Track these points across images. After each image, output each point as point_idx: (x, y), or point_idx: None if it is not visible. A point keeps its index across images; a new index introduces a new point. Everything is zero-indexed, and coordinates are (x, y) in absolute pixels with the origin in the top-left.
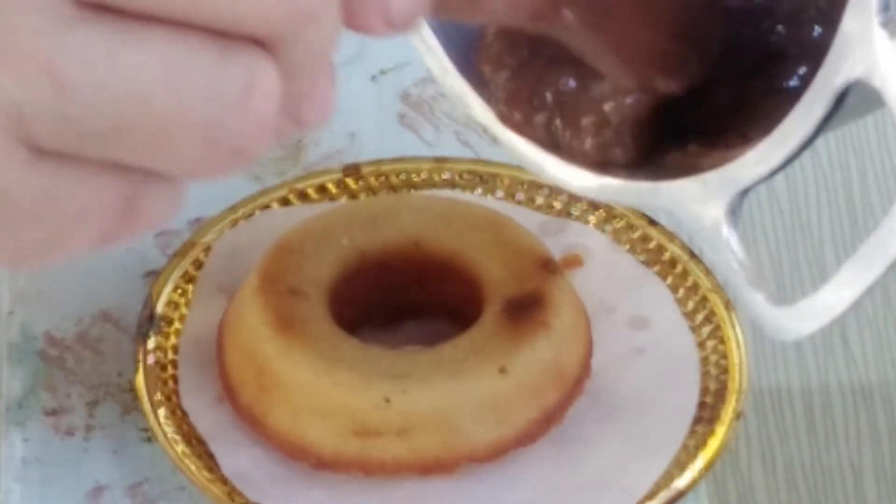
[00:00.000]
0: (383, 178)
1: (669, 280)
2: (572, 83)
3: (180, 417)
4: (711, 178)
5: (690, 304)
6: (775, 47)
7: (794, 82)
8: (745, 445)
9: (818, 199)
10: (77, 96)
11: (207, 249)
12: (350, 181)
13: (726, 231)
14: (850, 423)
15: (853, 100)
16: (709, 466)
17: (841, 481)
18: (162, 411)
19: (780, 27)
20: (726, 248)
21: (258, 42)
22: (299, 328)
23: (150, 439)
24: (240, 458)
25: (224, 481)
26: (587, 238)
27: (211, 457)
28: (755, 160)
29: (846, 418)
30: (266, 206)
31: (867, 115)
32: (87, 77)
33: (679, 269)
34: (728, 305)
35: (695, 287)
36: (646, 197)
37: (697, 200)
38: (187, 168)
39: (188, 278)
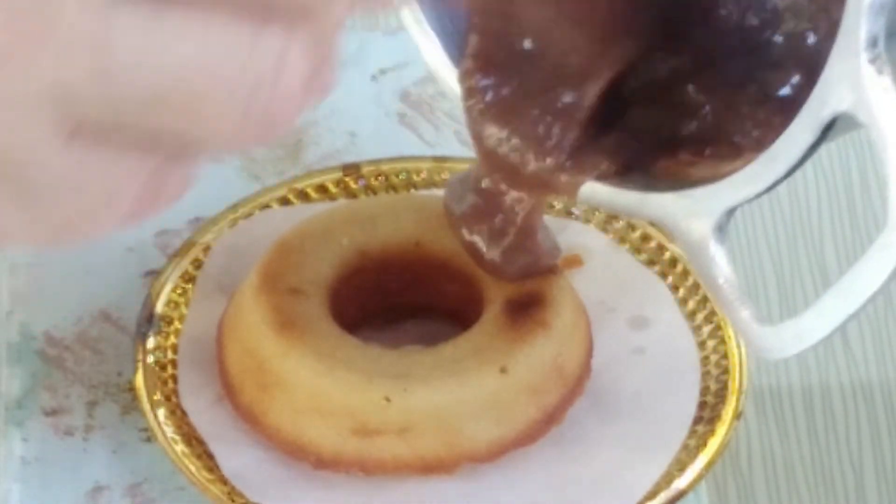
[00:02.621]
0: (383, 177)
1: (670, 280)
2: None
3: (180, 417)
4: (700, 194)
5: (691, 304)
6: (769, 56)
7: (787, 91)
8: (745, 445)
9: (819, 200)
10: (120, 72)
11: (207, 249)
12: (350, 181)
13: (713, 247)
14: (851, 422)
15: (841, 123)
16: (709, 466)
17: (842, 481)
18: (161, 411)
19: (775, 37)
20: (712, 263)
21: (290, 15)
22: (299, 328)
23: (150, 439)
24: (239, 458)
25: (224, 481)
26: (587, 238)
27: (210, 457)
28: (743, 181)
29: (847, 418)
30: (266, 206)
31: (854, 130)
32: (130, 52)
33: (679, 269)
34: None
35: (695, 287)
36: (634, 206)
37: (685, 215)
38: (220, 139)
39: (188, 278)
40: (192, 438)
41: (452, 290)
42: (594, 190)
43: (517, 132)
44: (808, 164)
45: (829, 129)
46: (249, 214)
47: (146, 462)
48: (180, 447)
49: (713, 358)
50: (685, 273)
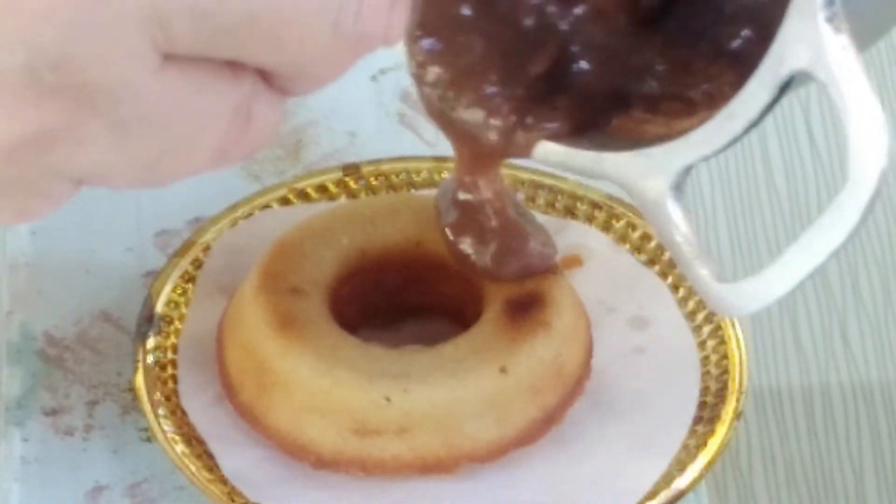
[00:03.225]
0: (383, 177)
1: (670, 280)
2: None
3: (180, 417)
4: (656, 153)
5: (690, 304)
6: (719, 12)
7: (737, 45)
8: (745, 445)
9: (819, 197)
10: None
11: (207, 249)
12: (350, 181)
13: (670, 205)
14: (851, 422)
15: (798, 80)
16: (709, 466)
17: (841, 481)
18: (161, 411)
19: None
20: (669, 222)
21: None
22: (299, 327)
23: (150, 439)
24: (239, 458)
25: (224, 481)
26: (587, 238)
27: (210, 456)
28: (700, 140)
29: (847, 418)
30: (266, 206)
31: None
32: None
33: (679, 268)
34: None
35: None
36: (589, 165)
37: (642, 174)
38: (311, 62)
39: (188, 278)
40: (191, 438)
41: (452, 290)
42: (549, 150)
43: (469, 96)
44: (809, 163)
45: (786, 88)
46: (249, 214)
47: (146, 462)
48: (180, 447)
49: (713, 358)
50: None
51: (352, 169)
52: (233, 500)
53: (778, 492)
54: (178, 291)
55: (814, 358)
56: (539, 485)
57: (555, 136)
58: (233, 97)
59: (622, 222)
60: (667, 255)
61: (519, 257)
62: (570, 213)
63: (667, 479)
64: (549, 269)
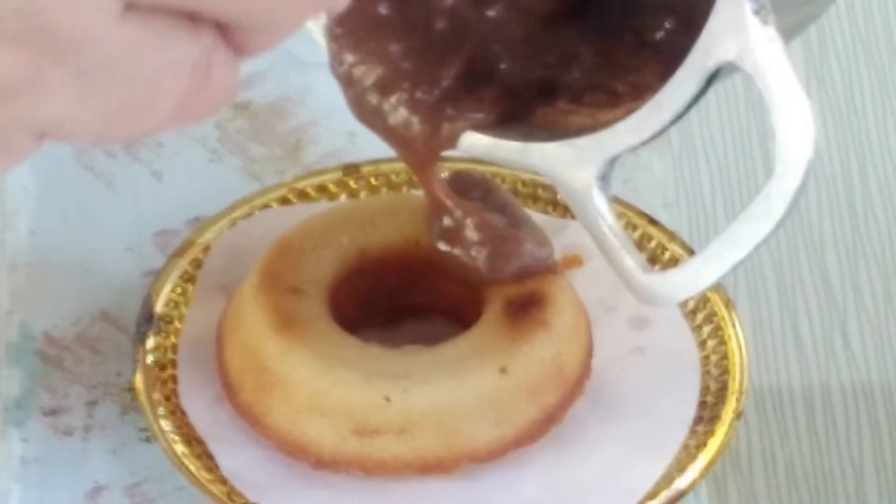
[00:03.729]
0: (383, 177)
1: None
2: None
3: (179, 417)
4: (583, 143)
5: (690, 304)
6: (641, 3)
7: (660, 36)
8: (745, 445)
9: (818, 197)
10: None
11: (206, 249)
12: (350, 181)
13: (596, 196)
14: (852, 422)
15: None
16: (709, 466)
17: (842, 481)
18: (161, 411)
19: None
20: (596, 212)
21: None
22: (299, 327)
23: (150, 439)
24: (239, 458)
25: (223, 481)
26: (587, 238)
27: (210, 457)
28: (627, 130)
29: (847, 418)
30: (266, 206)
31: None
32: None
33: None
34: (728, 305)
35: None
36: (516, 156)
37: (569, 164)
38: (273, 7)
39: (187, 278)
40: (191, 438)
41: (452, 290)
42: (474, 141)
43: (391, 92)
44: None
45: (713, 79)
46: (249, 214)
47: (146, 462)
48: (180, 447)
49: (713, 358)
50: None
51: (352, 169)
52: (232, 500)
53: (778, 492)
54: (178, 291)
55: (814, 358)
56: (539, 485)
57: (480, 127)
58: (193, 50)
59: (622, 222)
60: (667, 255)
61: (513, 261)
62: (571, 212)
63: (667, 479)
64: (548, 269)
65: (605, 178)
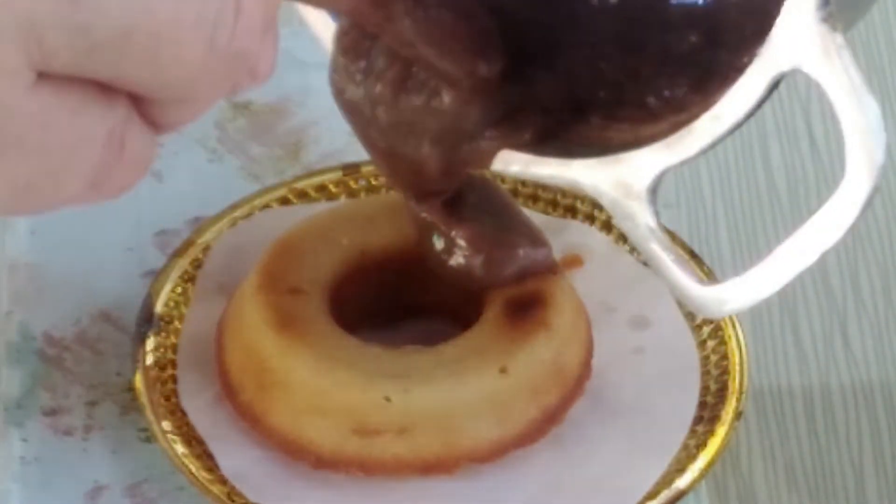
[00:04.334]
0: (383, 177)
1: None
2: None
3: (179, 417)
4: (633, 157)
5: None
6: (664, 18)
7: (686, 50)
8: (745, 445)
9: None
10: (88, 4)
11: (206, 249)
12: (350, 181)
13: (647, 209)
14: (852, 422)
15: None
16: (709, 466)
17: (842, 481)
18: (161, 411)
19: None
20: (646, 226)
21: None
22: (299, 327)
23: (150, 439)
24: (239, 458)
25: (223, 481)
26: (588, 238)
27: (210, 457)
28: (681, 142)
29: (847, 418)
30: (266, 206)
31: None
32: None
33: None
34: None
35: None
36: (557, 172)
37: (615, 179)
38: (186, 81)
39: (187, 278)
40: (191, 438)
41: (452, 290)
42: (511, 157)
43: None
44: (810, 163)
45: (776, 86)
46: (249, 214)
47: (146, 462)
48: (180, 447)
49: (713, 358)
50: None
51: (352, 169)
52: (232, 501)
53: (778, 492)
54: (178, 291)
55: (814, 358)
56: (539, 485)
57: (516, 147)
58: (106, 122)
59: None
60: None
61: (510, 266)
62: (571, 212)
63: (667, 479)
64: (548, 269)
65: (654, 192)
